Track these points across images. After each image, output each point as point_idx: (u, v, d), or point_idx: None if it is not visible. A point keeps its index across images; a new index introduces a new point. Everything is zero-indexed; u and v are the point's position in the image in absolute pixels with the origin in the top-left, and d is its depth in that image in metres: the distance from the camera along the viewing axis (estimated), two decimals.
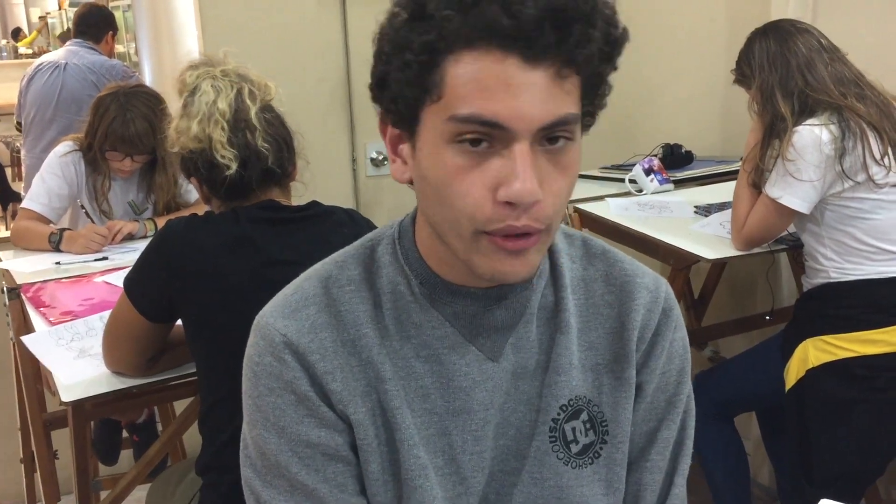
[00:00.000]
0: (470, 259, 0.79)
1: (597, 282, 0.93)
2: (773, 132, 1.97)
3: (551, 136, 0.74)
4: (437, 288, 0.86)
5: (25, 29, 9.29)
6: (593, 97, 0.78)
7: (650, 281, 0.93)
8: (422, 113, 0.77)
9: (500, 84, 0.71)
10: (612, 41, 0.75)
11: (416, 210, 0.89)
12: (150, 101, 2.36)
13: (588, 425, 0.91)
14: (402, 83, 0.76)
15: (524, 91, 0.71)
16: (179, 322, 1.49)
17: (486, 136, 0.73)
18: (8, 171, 5.73)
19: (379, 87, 0.80)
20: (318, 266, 0.91)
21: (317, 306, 0.87)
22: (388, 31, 0.77)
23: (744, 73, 2.06)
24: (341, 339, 0.86)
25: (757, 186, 2.03)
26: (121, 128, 2.30)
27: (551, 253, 0.92)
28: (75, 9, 6.45)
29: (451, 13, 0.71)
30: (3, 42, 8.47)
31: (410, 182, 0.82)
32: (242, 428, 0.90)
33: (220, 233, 1.43)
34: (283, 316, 0.86)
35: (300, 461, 0.85)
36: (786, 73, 1.94)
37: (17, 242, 2.37)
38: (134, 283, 1.46)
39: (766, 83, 1.98)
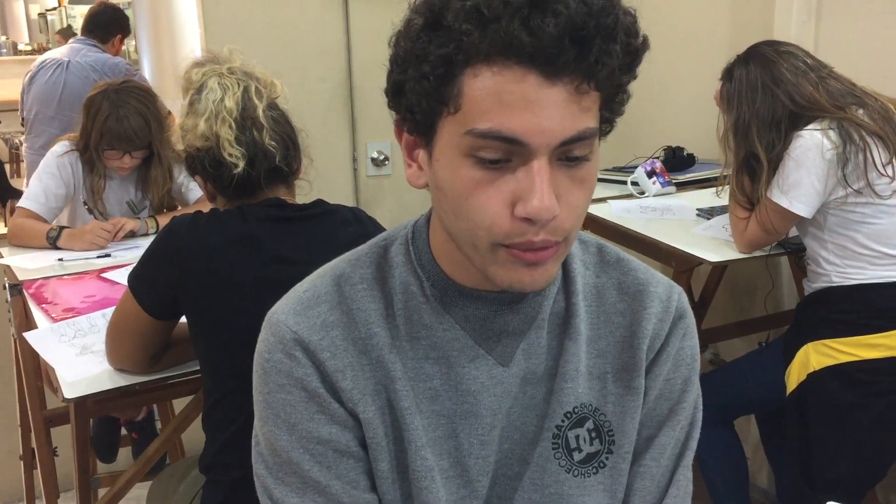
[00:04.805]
0: (487, 269, 0.78)
1: (609, 289, 0.92)
2: (746, 168, 1.98)
3: (570, 154, 0.74)
4: (449, 291, 0.86)
5: (24, 25, 9.27)
6: (613, 107, 0.77)
7: (663, 290, 0.92)
8: (438, 123, 0.76)
9: (519, 100, 0.70)
10: (633, 51, 0.74)
11: (430, 211, 0.88)
12: (142, 96, 2.36)
13: (594, 434, 0.90)
14: (419, 94, 0.75)
15: (543, 107, 0.70)
16: (183, 319, 1.49)
17: (503, 154, 0.72)
18: (7, 168, 5.71)
19: (395, 95, 0.79)
20: (331, 264, 0.91)
21: (328, 304, 0.87)
22: (405, 38, 0.76)
23: (721, 98, 2.05)
24: (352, 338, 0.86)
25: (747, 205, 2.03)
26: (116, 126, 2.30)
27: (565, 259, 0.91)
28: (76, 6, 6.44)
29: (470, 27, 0.70)
30: (3, 39, 8.45)
31: (426, 186, 0.82)
32: (254, 424, 0.90)
33: (226, 230, 1.43)
34: (294, 313, 0.86)
35: (312, 458, 0.85)
36: (770, 104, 1.92)
37: (13, 241, 2.36)
38: (138, 279, 1.46)
39: (741, 119, 1.96)
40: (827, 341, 1.91)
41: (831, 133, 1.86)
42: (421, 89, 0.74)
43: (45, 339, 1.69)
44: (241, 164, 1.45)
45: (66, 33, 4.68)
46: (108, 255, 2.23)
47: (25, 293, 1.95)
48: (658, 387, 0.92)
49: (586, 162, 0.76)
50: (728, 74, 2.03)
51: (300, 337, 0.85)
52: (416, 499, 0.86)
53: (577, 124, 0.72)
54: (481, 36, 0.69)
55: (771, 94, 1.93)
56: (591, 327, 0.91)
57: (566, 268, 0.91)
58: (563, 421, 0.89)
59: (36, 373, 1.97)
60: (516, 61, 0.69)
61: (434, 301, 0.86)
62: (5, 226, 3.35)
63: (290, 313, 0.86)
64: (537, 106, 0.70)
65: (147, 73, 4.25)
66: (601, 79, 0.71)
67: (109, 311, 1.60)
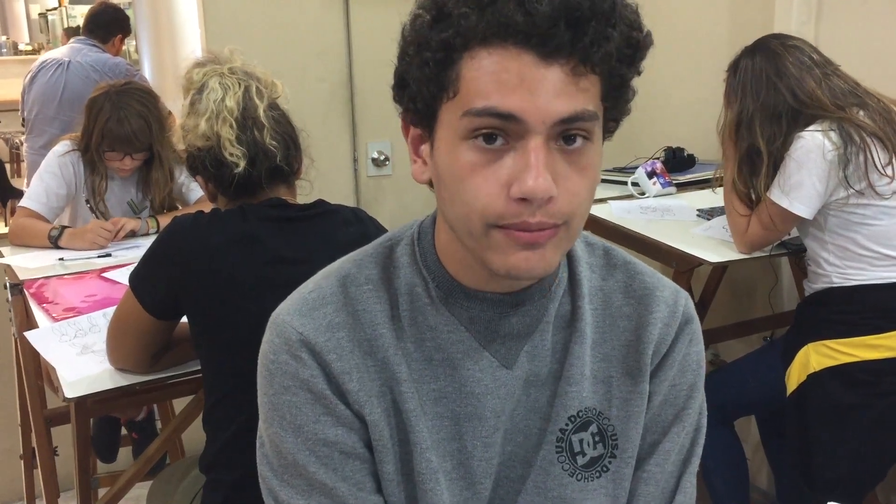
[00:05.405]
0: (484, 256, 0.77)
1: (615, 293, 0.92)
2: (748, 161, 1.98)
3: (567, 133, 0.74)
4: (454, 291, 0.85)
5: (25, 25, 9.27)
6: (616, 100, 0.77)
7: (669, 294, 0.92)
8: (439, 111, 0.77)
9: (515, 79, 0.71)
10: (634, 44, 0.74)
11: (436, 211, 0.88)
12: (143, 98, 2.37)
13: (597, 438, 0.90)
14: (420, 81, 0.76)
15: (539, 86, 0.71)
16: (183, 318, 1.49)
17: (500, 131, 0.73)
18: (8, 168, 5.71)
19: (399, 87, 0.80)
20: (336, 264, 0.91)
21: (334, 305, 0.86)
22: (410, 33, 0.77)
23: (726, 91, 2.05)
24: (357, 339, 0.86)
25: (747, 200, 2.03)
26: (117, 127, 2.31)
27: (571, 261, 0.91)
28: (76, 5, 6.44)
29: (468, 10, 0.71)
30: (3, 38, 8.45)
31: (430, 183, 0.82)
32: (259, 426, 0.90)
33: (227, 230, 1.43)
34: (300, 314, 0.86)
35: (318, 460, 0.85)
36: (773, 98, 1.92)
37: (14, 240, 2.36)
38: (139, 279, 1.46)
39: (745, 111, 1.96)
40: (827, 342, 1.91)
41: (832, 134, 1.86)
42: (422, 76, 0.76)
43: (46, 338, 1.69)
44: (242, 164, 1.45)
45: (73, 32, 4.67)
46: (108, 255, 2.23)
47: (26, 293, 1.95)
48: (663, 392, 0.91)
49: (586, 149, 0.75)
50: (734, 66, 2.03)
51: (306, 338, 0.84)
52: (420, 500, 0.86)
53: (573, 104, 0.72)
54: (478, 18, 0.71)
55: (774, 88, 1.93)
56: (597, 330, 0.91)
57: (572, 270, 0.91)
58: (567, 424, 0.89)
59: (36, 372, 1.98)
60: (512, 42, 0.71)
61: (439, 302, 0.86)
62: (6, 225, 3.36)
63: (295, 314, 0.86)
64: (533, 85, 0.71)
65: (147, 73, 4.25)
66: (597, 61, 0.72)
67: (110, 310, 1.61)
